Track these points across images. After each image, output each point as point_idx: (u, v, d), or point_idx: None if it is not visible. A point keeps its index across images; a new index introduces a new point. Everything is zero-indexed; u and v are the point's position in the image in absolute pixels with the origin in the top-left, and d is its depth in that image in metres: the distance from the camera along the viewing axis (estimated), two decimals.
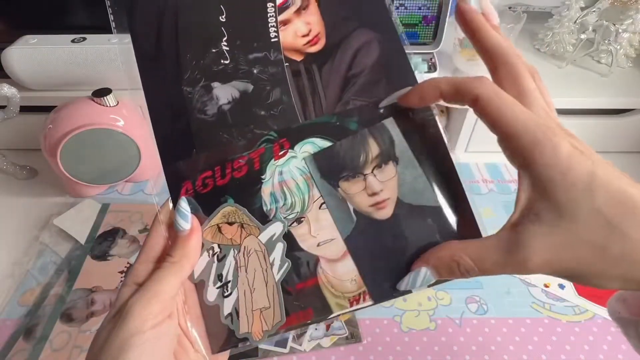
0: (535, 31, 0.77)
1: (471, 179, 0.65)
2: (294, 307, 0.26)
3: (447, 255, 0.24)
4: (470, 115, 0.65)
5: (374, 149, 0.27)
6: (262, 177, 0.27)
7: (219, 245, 0.27)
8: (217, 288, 0.27)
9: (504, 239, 0.23)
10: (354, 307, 0.26)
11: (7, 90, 0.55)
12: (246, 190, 0.27)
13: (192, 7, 0.29)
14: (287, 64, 0.29)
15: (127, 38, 0.28)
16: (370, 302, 0.26)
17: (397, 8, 0.60)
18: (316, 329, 0.46)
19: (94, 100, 0.55)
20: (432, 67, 0.63)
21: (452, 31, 0.64)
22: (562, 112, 0.66)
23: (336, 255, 0.27)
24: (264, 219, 0.27)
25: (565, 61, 0.70)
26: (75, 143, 0.54)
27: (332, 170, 0.27)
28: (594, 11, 0.67)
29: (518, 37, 0.61)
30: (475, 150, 0.70)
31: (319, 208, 0.27)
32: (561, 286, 0.50)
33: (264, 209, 0.27)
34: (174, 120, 0.28)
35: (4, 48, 0.57)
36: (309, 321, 0.26)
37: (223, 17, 0.29)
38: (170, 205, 0.27)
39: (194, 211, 0.27)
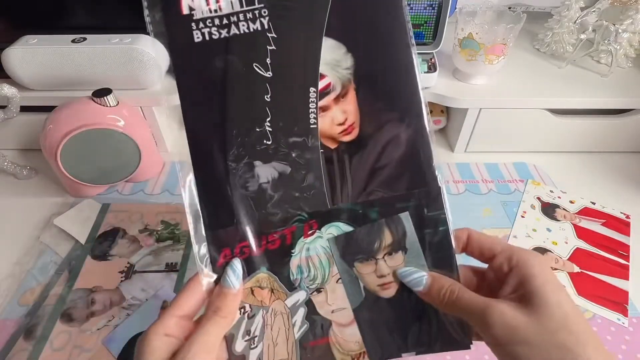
0: (535, 31, 0.77)
1: (471, 179, 0.65)
2: (307, 359, 0.31)
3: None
4: (470, 115, 0.65)
5: (387, 238, 0.31)
6: (292, 251, 0.31)
7: (250, 305, 0.30)
8: (245, 341, 0.30)
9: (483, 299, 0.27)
10: None
11: (7, 90, 0.55)
12: (278, 261, 0.31)
13: (241, 81, 0.29)
14: (322, 150, 0.30)
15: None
16: None
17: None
18: None
19: (94, 100, 0.55)
20: (432, 67, 0.63)
21: (452, 31, 0.64)
22: (562, 112, 0.66)
23: (345, 321, 0.31)
24: (291, 287, 0.31)
25: (565, 61, 0.70)
26: (75, 143, 0.54)
27: (350, 252, 0.31)
28: (593, 11, 0.67)
29: (518, 37, 0.61)
30: (475, 150, 0.70)
31: (336, 282, 0.31)
32: None
33: (291, 278, 0.31)
34: (219, 192, 0.30)
35: (4, 48, 0.57)
36: None
37: (268, 96, 0.29)
38: (206, 272, 0.29)
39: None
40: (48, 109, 0.57)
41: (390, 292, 0.31)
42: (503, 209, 0.60)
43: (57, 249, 0.53)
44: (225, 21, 0.28)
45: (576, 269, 0.52)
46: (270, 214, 0.30)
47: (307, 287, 0.31)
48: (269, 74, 0.29)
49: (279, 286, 0.31)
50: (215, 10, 0.28)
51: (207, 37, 0.28)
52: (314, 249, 0.31)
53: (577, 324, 0.24)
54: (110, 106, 0.55)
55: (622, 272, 0.51)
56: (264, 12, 0.28)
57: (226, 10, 0.28)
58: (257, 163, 0.30)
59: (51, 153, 0.54)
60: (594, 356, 0.23)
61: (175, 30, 0.28)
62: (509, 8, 0.69)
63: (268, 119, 0.29)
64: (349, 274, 0.31)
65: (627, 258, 0.53)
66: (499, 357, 0.26)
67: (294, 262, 0.31)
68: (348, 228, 0.31)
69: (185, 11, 0.27)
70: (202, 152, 0.29)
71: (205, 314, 0.28)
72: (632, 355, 0.43)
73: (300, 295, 0.31)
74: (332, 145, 0.30)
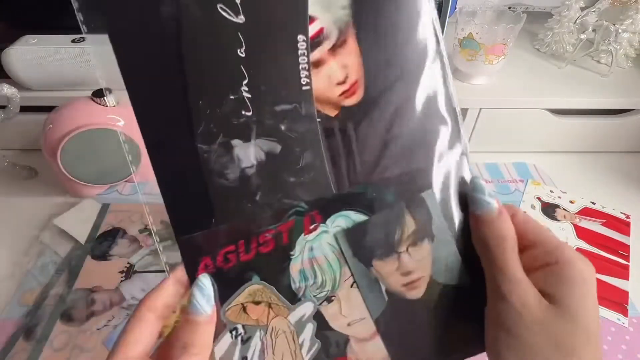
0: (535, 31, 0.77)
1: None
2: None
3: None
4: (470, 115, 0.65)
5: (410, 224, 0.25)
6: (291, 252, 0.24)
7: (243, 326, 0.24)
8: None
9: None
10: None
11: (7, 90, 0.55)
12: (273, 267, 0.24)
13: (202, 30, 0.22)
14: (319, 119, 0.24)
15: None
16: None
17: None
18: None
19: (94, 100, 0.55)
20: None
21: (452, 31, 0.64)
22: (562, 112, 0.66)
23: (366, 334, 0.25)
24: (293, 298, 0.25)
25: (565, 61, 0.70)
26: (75, 143, 0.54)
27: (365, 248, 0.25)
28: (593, 11, 0.67)
29: (518, 37, 0.61)
30: (475, 150, 0.70)
31: (350, 287, 0.25)
32: None
33: (293, 286, 0.25)
34: (188, 184, 0.23)
35: (4, 48, 0.57)
36: None
37: (242, 50, 0.22)
38: (164, 289, 0.24)
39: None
40: (48, 109, 0.57)
41: (418, 291, 0.25)
42: None
43: (57, 249, 0.53)
44: None
45: None
46: (259, 208, 0.24)
47: (315, 296, 0.25)
48: (240, 19, 0.21)
49: (277, 299, 0.25)
50: None
51: None
52: (320, 248, 0.25)
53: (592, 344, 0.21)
54: (110, 106, 0.55)
55: (622, 272, 0.51)
56: None
57: None
58: (236, 142, 0.23)
59: (51, 153, 0.54)
60: None
61: None
62: (509, 8, 0.69)
63: (245, 82, 0.22)
64: (367, 275, 0.25)
65: (627, 258, 0.53)
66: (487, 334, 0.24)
67: (294, 267, 0.24)
68: (360, 217, 0.24)
69: None
70: (158, 137, 0.23)
71: (172, 353, 0.22)
72: (632, 355, 0.43)
73: (306, 308, 0.25)
74: (332, 113, 0.24)
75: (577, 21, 0.68)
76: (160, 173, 0.23)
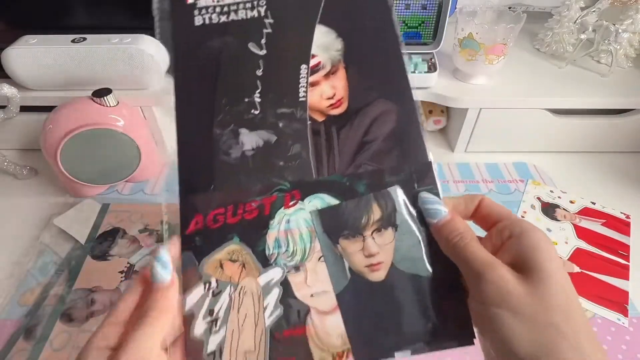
0: (535, 31, 0.77)
1: (471, 179, 0.65)
2: (278, 353, 0.27)
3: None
4: (471, 115, 0.65)
5: (376, 213, 0.29)
6: (271, 222, 0.29)
7: (216, 280, 0.28)
8: (207, 323, 0.27)
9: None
10: None
11: (7, 90, 0.55)
12: (253, 232, 0.28)
13: (235, 58, 0.31)
14: (309, 122, 0.30)
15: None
16: None
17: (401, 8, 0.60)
18: None
19: (94, 100, 0.55)
20: (432, 67, 0.63)
21: (452, 31, 0.64)
22: (562, 112, 0.66)
23: (327, 307, 0.28)
24: (265, 262, 0.28)
25: (565, 61, 0.70)
26: (75, 143, 0.54)
27: (334, 227, 0.29)
28: (594, 11, 0.67)
29: (518, 37, 0.61)
30: (475, 150, 0.70)
31: (318, 260, 0.28)
32: None
33: (267, 252, 0.28)
34: (199, 156, 0.30)
35: (4, 48, 0.57)
36: None
37: (260, 71, 0.31)
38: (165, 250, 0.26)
39: (190, 266, 0.28)
40: (48, 109, 0.57)
41: (380, 274, 0.28)
42: None
43: (57, 249, 0.53)
44: (225, 9, 0.31)
45: (576, 269, 0.51)
46: (250, 182, 0.29)
47: (284, 264, 0.28)
48: (262, 52, 0.31)
49: (252, 260, 0.28)
50: (217, 0, 0.31)
51: (206, 21, 0.31)
52: (295, 222, 0.29)
53: (575, 310, 0.23)
54: (110, 106, 0.55)
55: (622, 272, 0.51)
56: (262, 3, 0.31)
57: (228, 0, 0.31)
58: (243, 130, 0.30)
59: (51, 153, 0.54)
60: (585, 344, 0.22)
61: (179, 16, 0.30)
62: (509, 8, 0.69)
63: (258, 91, 0.30)
64: (333, 252, 0.28)
65: (627, 258, 0.53)
66: (476, 319, 0.25)
67: (271, 235, 0.28)
68: (333, 201, 0.29)
69: (190, 0, 0.31)
70: (188, 117, 0.30)
71: (137, 318, 0.24)
72: (632, 355, 0.43)
73: (275, 273, 0.28)
74: (320, 118, 0.30)
75: (577, 21, 0.68)
76: (181, 144, 0.30)
